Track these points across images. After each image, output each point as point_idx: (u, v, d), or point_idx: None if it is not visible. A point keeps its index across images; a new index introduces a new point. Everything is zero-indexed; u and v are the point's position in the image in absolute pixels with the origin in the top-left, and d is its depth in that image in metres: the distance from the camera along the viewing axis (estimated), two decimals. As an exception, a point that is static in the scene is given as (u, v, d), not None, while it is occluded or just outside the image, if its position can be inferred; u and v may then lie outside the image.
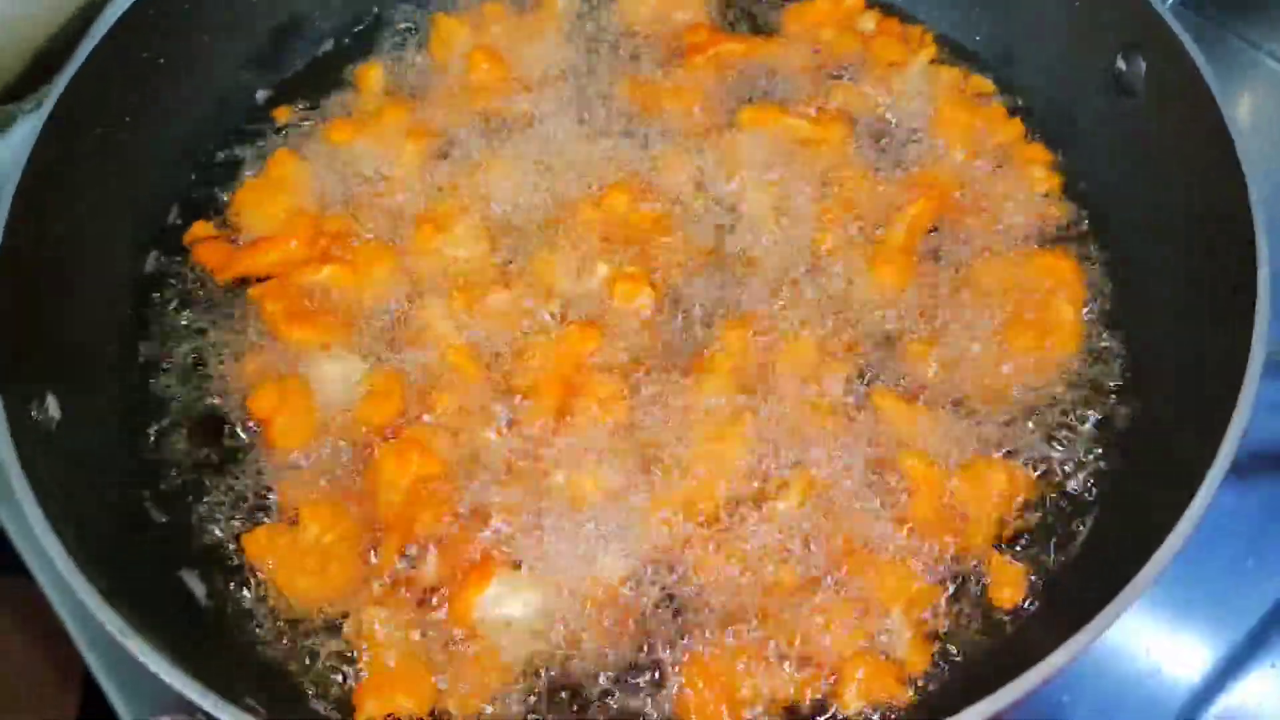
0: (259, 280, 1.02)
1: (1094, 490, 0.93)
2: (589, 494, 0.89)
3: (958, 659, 0.86)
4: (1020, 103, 1.13)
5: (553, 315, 0.98)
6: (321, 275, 1.00)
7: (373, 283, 1.00)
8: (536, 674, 0.84)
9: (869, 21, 1.18)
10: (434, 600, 0.86)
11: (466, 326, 0.98)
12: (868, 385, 0.95)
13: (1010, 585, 0.88)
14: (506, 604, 0.85)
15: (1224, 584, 1.02)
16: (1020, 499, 0.91)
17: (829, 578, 0.87)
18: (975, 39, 1.18)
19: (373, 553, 0.88)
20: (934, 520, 0.89)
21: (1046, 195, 1.06)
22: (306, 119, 1.13)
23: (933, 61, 1.15)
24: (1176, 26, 0.95)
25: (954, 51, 1.17)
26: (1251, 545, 1.04)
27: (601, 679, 0.84)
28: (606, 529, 0.88)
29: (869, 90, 1.12)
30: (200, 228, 1.06)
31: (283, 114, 1.14)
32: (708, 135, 1.09)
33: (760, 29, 1.18)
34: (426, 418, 0.93)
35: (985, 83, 1.14)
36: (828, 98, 1.12)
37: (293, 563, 0.88)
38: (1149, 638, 1.00)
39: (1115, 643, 1.00)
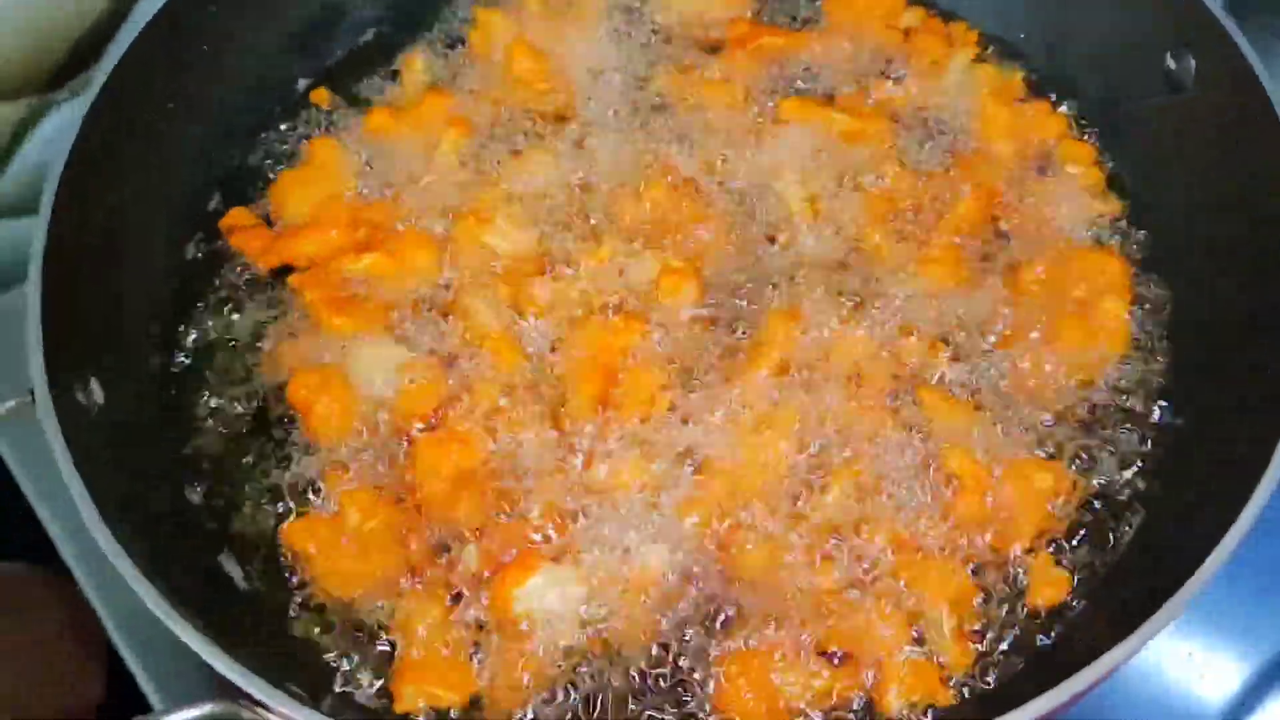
0: (299, 268, 1.02)
1: (1140, 492, 0.91)
2: (630, 487, 0.88)
3: (1001, 660, 0.85)
4: (1065, 99, 1.11)
5: (595, 307, 0.97)
6: (362, 264, 1.00)
7: (414, 272, 1.00)
8: (575, 667, 0.84)
9: (911, 17, 1.17)
10: (474, 591, 0.86)
11: (508, 317, 0.97)
12: (913, 382, 0.94)
13: (1051, 585, 0.87)
14: (547, 597, 0.84)
15: (1261, 601, 1.01)
16: (1065, 499, 0.90)
17: (871, 576, 0.86)
18: (1019, 35, 1.16)
19: (413, 542, 0.88)
20: (978, 519, 0.88)
21: (1092, 192, 1.05)
22: (346, 108, 1.13)
23: (975, 58, 1.13)
24: (1229, 23, 0.94)
25: (997, 47, 1.16)
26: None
27: (641, 673, 0.84)
28: (648, 523, 0.87)
29: (911, 85, 1.11)
30: (238, 214, 1.06)
31: (323, 102, 1.14)
32: (749, 128, 1.08)
33: (801, 23, 1.18)
34: (467, 408, 0.93)
35: (1029, 79, 1.13)
36: (869, 92, 1.11)
37: (332, 550, 0.88)
38: (1189, 646, 0.99)
39: (1155, 649, 0.99)
